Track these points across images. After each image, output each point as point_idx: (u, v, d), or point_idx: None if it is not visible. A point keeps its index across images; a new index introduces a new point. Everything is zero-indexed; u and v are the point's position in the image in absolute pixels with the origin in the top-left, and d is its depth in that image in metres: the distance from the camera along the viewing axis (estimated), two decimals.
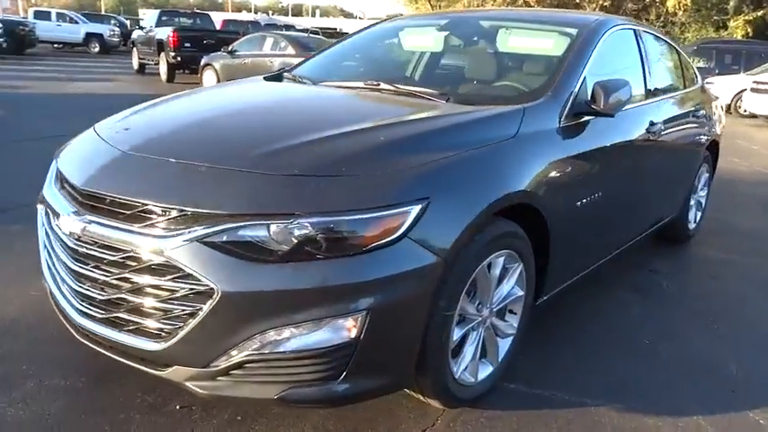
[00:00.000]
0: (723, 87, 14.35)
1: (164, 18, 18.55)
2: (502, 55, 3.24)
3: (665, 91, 3.74)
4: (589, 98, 2.60)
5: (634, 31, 3.50)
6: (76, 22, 25.97)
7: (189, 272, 1.72)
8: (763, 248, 4.60)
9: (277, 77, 3.32)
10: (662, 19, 22.69)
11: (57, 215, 2.06)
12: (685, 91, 4.15)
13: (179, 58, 14.66)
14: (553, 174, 2.39)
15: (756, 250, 4.52)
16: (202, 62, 13.32)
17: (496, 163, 2.18)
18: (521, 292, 2.37)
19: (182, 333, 1.76)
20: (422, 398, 2.18)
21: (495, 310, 2.28)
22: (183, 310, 1.76)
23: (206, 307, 1.71)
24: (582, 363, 2.71)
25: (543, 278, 2.51)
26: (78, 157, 2.25)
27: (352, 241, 1.75)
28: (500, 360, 2.38)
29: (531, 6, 21.45)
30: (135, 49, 17.51)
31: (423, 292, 1.85)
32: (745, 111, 14.02)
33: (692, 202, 4.47)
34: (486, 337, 2.29)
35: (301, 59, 3.80)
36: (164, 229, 1.79)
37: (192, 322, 1.74)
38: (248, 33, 14.59)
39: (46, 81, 13.25)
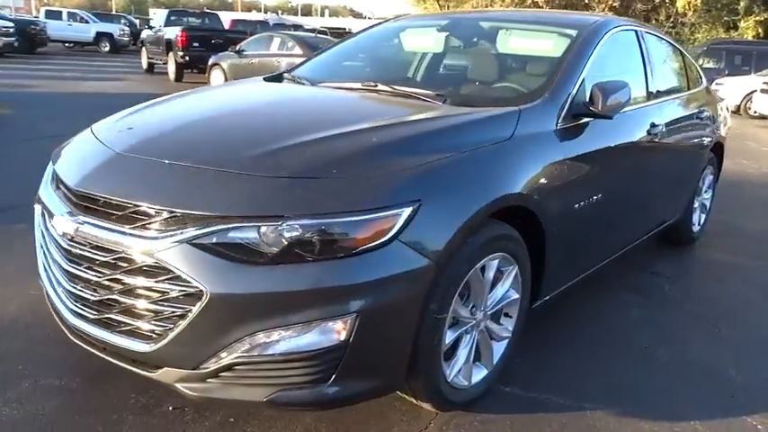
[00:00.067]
0: (733, 88, 14.26)
1: (172, 18, 18.64)
2: (501, 56, 3.22)
3: (667, 92, 3.71)
4: (587, 100, 2.58)
5: (636, 32, 3.47)
6: (87, 22, 26.16)
7: (179, 273, 1.72)
8: None
9: (277, 78, 3.32)
10: (672, 19, 22.52)
11: (51, 216, 2.07)
12: (689, 92, 4.12)
13: (187, 58, 14.74)
14: (550, 176, 2.37)
15: (762, 253, 4.47)
16: (210, 62, 13.38)
17: (491, 165, 2.16)
18: (516, 295, 2.35)
19: (172, 335, 1.76)
20: (414, 401, 2.17)
21: (489, 313, 2.26)
22: (174, 312, 1.76)
23: (195, 309, 1.71)
24: (579, 365, 2.69)
25: (540, 281, 2.49)
26: (73, 157, 2.26)
27: (342, 244, 1.74)
28: (495, 363, 2.36)
29: (539, 7, 21.37)
30: (144, 48, 17.62)
31: (414, 295, 1.85)
32: (755, 112, 13.89)
33: (696, 205, 4.43)
34: (481, 340, 2.27)
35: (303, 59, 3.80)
36: (154, 230, 1.79)
37: (182, 324, 1.74)
38: (256, 33, 14.62)
39: (56, 80, 13.35)
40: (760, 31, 21.92)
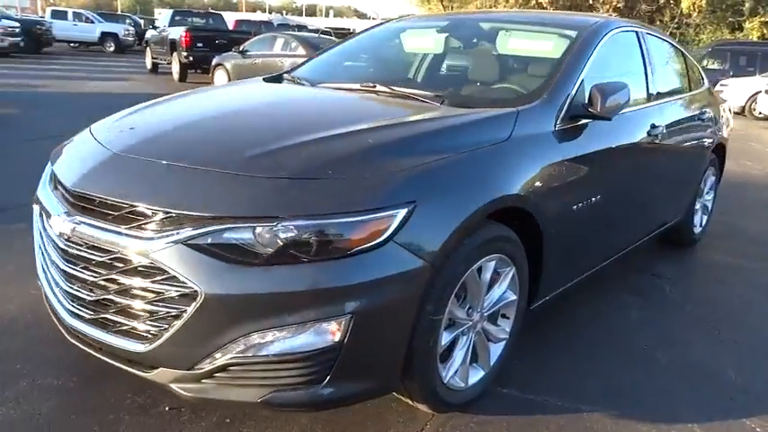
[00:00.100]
0: (738, 89, 14.22)
1: (177, 18, 18.73)
2: (501, 57, 3.21)
3: (668, 93, 3.69)
4: (586, 101, 2.57)
5: (636, 33, 3.45)
6: (92, 22, 26.25)
7: (174, 274, 1.72)
8: None
9: (277, 79, 3.32)
10: (676, 20, 22.47)
11: (49, 216, 2.07)
12: (690, 93, 4.10)
13: (191, 58, 14.76)
14: (548, 177, 2.36)
15: (764, 255, 4.45)
16: (214, 62, 13.40)
17: (488, 166, 2.16)
18: (513, 297, 2.35)
19: (167, 335, 1.76)
20: (410, 402, 2.17)
21: (486, 314, 2.26)
22: (169, 313, 1.76)
23: (190, 309, 1.71)
24: (578, 367, 2.69)
25: (538, 282, 2.48)
26: (71, 157, 2.27)
27: (336, 245, 1.74)
28: (492, 365, 2.36)
29: (543, 8, 21.33)
30: (148, 48, 17.67)
31: (409, 296, 1.84)
32: (760, 113, 13.84)
33: (698, 206, 4.42)
34: (477, 341, 2.27)
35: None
36: (150, 230, 1.79)
37: (177, 324, 1.74)
38: (260, 33, 14.65)
39: (62, 80, 13.39)
40: (765, 32, 21.85)
